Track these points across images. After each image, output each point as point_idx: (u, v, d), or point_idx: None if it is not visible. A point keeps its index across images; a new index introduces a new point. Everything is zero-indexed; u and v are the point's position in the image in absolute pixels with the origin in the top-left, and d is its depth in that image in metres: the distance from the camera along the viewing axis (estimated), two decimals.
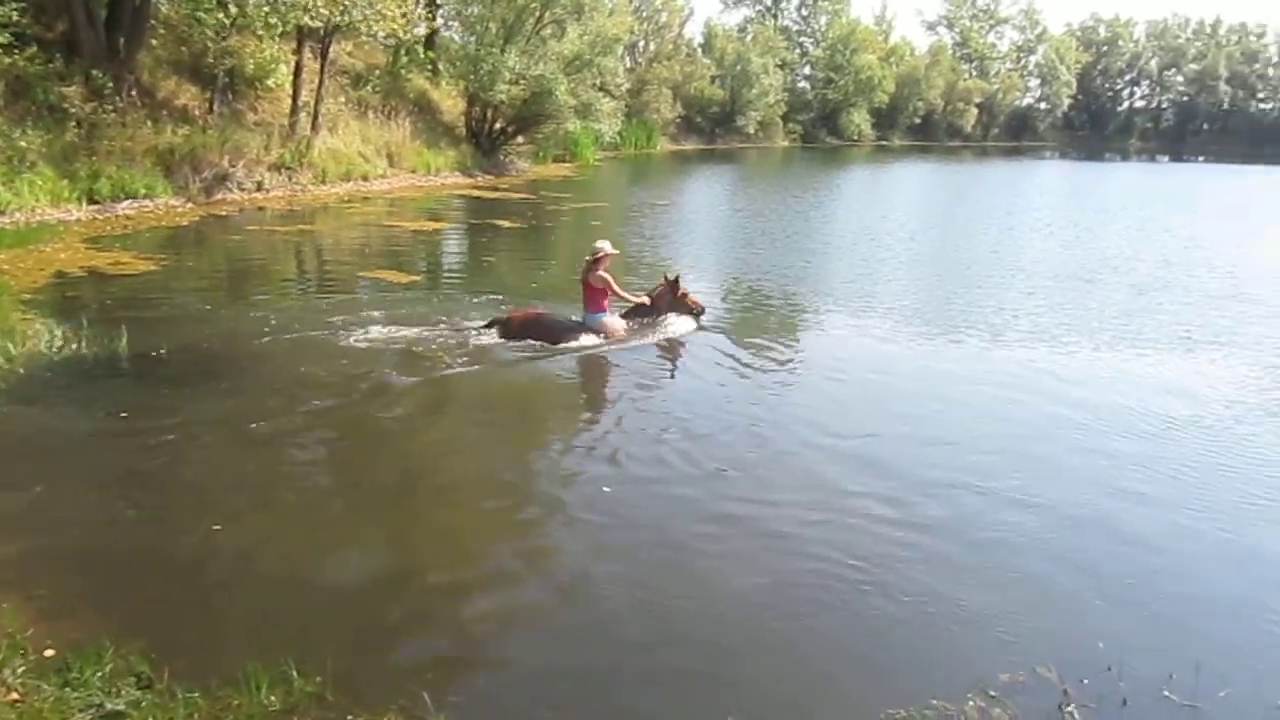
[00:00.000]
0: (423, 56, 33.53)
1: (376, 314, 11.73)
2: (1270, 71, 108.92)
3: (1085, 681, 4.71)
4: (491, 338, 10.75)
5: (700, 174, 43.10)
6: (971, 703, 4.53)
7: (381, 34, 27.00)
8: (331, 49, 26.24)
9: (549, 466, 7.52)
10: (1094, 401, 9.52)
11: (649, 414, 8.65)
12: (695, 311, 11.79)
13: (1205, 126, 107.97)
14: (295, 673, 4.40)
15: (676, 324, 11.58)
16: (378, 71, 31.60)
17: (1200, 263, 19.50)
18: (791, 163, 56.23)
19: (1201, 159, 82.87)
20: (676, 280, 11.78)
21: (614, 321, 11.27)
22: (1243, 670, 4.93)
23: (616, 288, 11.17)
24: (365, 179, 26.92)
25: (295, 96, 25.45)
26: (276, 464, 7.28)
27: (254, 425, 7.85)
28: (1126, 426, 8.75)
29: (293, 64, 25.39)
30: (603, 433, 8.16)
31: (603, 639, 5.08)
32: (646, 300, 11.64)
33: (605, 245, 11.16)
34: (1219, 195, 40.53)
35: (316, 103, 25.73)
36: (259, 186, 23.23)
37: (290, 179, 24.37)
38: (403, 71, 33.15)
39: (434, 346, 10.37)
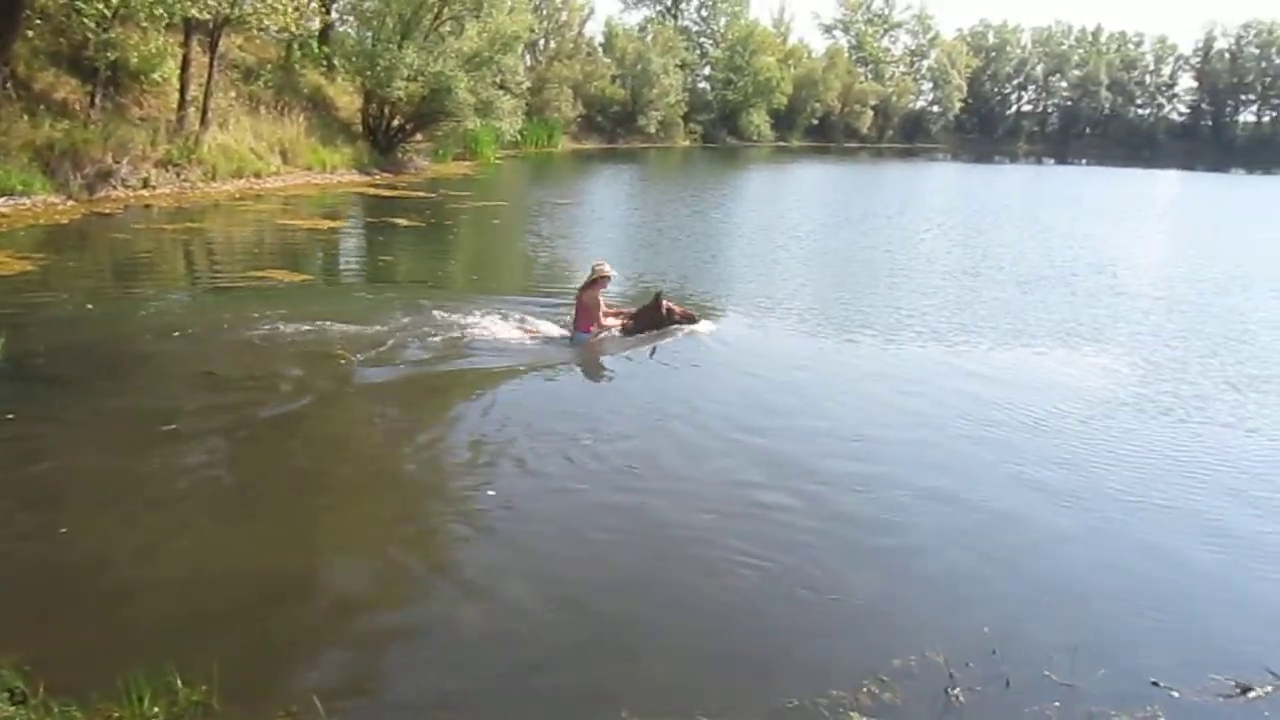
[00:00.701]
0: (317, 51, 32.85)
1: (268, 313, 11.45)
2: (1147, 79, 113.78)
3: (970, 665, 4.87)
4: (390, 336, 10.61)
5: (601, 173, 43.16)
6: (865, 689, 4.64)
7: (273, 28, 26.29)
8: (221, 42, 25.47)
9: (451, 467, 7.45)
10: (984, 395, 9.83)
11: (558, 415, 8.63)
12: (688, 319, 11.56)
13: (1088, 130, 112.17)
14: (180, 682, 4.27)
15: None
16: (270, 66, 30.80)
17: (1081, 261, 20.28)
18: (692, 162, 56.68)
19: (1084, 161, 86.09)
20: (658, 297, 11.51)
21: (603, 345, 11.10)
22: (1118, 650, 5.14)
23: (603, 312, 11.16)
24: (258, 176, 26.22)
25: (183, 91, 24.67)
26: (163, 466, 7.07)
27: (140, 427, 7.63)
28: (1014, 419, 9.07)
29: (180, 57, 24.59)
30: (509, 434, 8.08)
31: (502, 641, 5.05)
32: (629, 322, 11.45)
33: (606, 267, 11.21)
34: (1099, 197, 42.17)
35: (206, 97, 24.98)
36: (145, 184, 22.43)
37: (179, 176, 23.59)
38: (296, 66, 32.42)
39: (329, 346, 10.18)
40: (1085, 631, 5.29)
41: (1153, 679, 4.84)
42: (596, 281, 11.07)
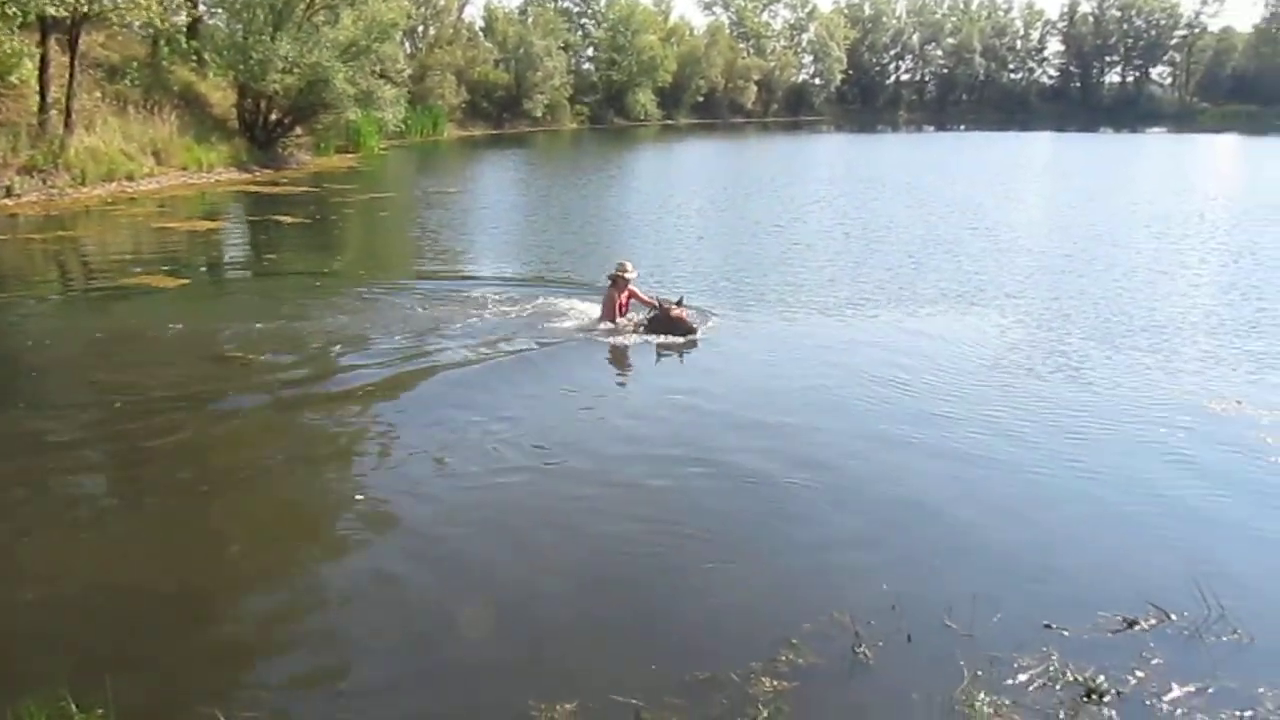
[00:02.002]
0: (186, 46, 31.63)
1: (153, 319, 11.08)
2: (1018, 44, 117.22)
3: (873, 623, 5.00)
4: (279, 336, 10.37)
5: (489, 159, 42.73)
6: (777, 655, 4.73)
7: (136, 23, 25.32)
8: (81, 40, 24.35)
9: (353, 467, 7.33)
10: (874, 363, 10.08)
11: (466, 406, 8.54)
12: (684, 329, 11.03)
13: (964, 97, 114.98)
14: (74, 706, 4.13)
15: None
16: (136, 64, 29.58)
17: (963, 225, 20.89)
18: (580, 144, 56.52)
19: (962, 127, 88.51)
20: (678, 303, 11.20)
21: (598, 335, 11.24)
22: (1011, 598, 5.34)
23: (620, 306, 11.37)
24: (130, 179, 25.20)
25: (44, 93, 23.53)
26: (45, 481, 6.84)
27: (17, 440, 7.35)
28: (900, 385, 9.32)
29: (38, 58, 23.43)
30: (415, 427, 8.00)
31: (408, 635, 5.00)
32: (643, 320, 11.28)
33: (626, 266, 11.49)
34: (977, 161, 43.42)
35: (69, 99, 23.86)
36: (9, 191, 21.40)
37: (45, 182, 22.56)
38: (164, 63, 31.24)
39: (220, 349, 9.90)
40: (980, 583, 5.47)
41: (1045, 621, 5.03)
42: (615, 280, 11.41)
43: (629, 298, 11.49)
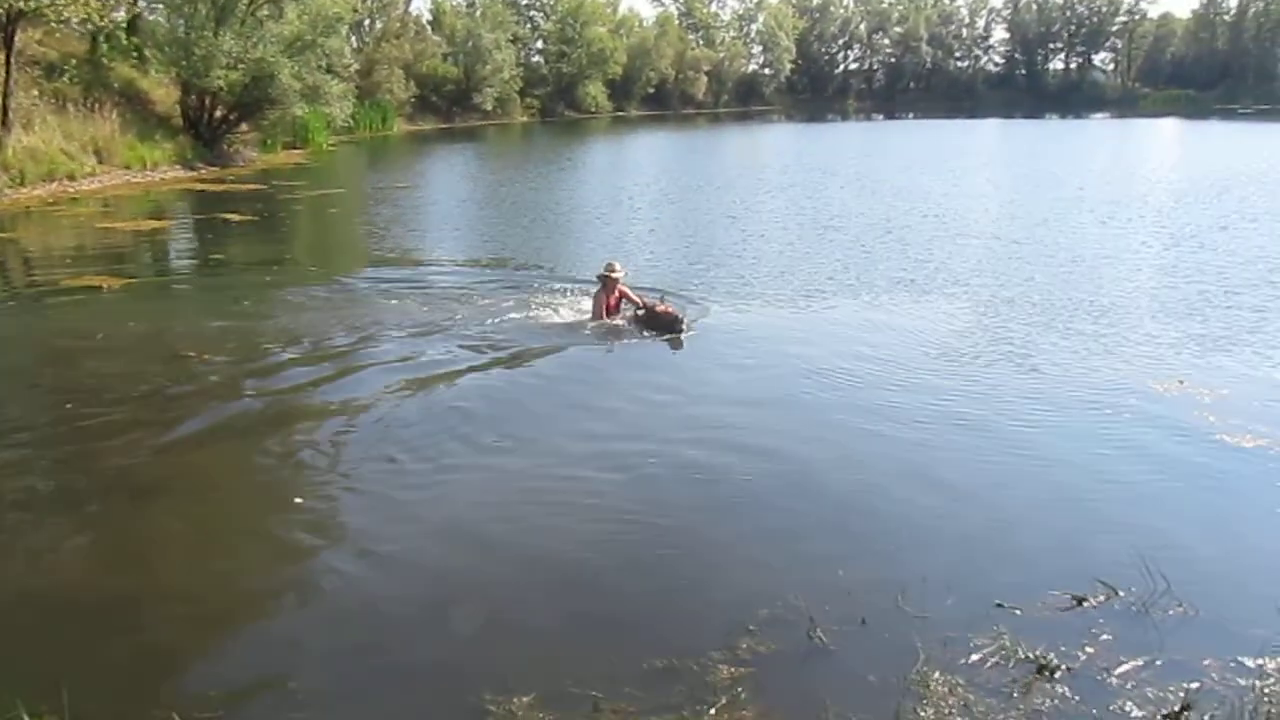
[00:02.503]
0: (126, 43, 31.00)
1: (94, 322, 10.89)
2: (964, 32, 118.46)
3: (828, 608, 5.05)
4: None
5: (440, 154, 42.43)
6: (734, 642, 4.77)
7: (74, 19, 24.76)
8: (17, 37, 23.81)
9: (310, 469, 7.24)
10: (829, 350, 10.18)
11: (425, 399, 8.55)
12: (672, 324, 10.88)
13: (912, 85, 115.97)
14: (26, 716, 4.05)
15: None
16: (75, 61, 28.99)
17: (912, 212, 21.09)
18: (531, 138, 56.29)
19: (911, 115, 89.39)
20: (661, 299, 11.42)
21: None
22: (963, 579, 5.42)
23: (606, 307, 11.27)
24: (72, 178, 24.71)
25: None
26: None
27: None
28: (860, 375, 9.40)
29: None
30: (371, 425, 7.94)
31: (359, 629, 4.99)
32: (639, 313, 11.24)
33: (613, 267, 11.38)
34: (926, 149, 43.84)
35: (5, 97, 23.31)
36: None
37: None
38: (104, 60, 30.61)
39: (172, 347, 9.76)
40: (932, 566, 5.56)
41: (997, 601, 5.11)
42: (605, 281, 11.32)
43: (619, 298, 11.39)
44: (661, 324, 10.78)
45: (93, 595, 5.34)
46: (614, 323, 11.22)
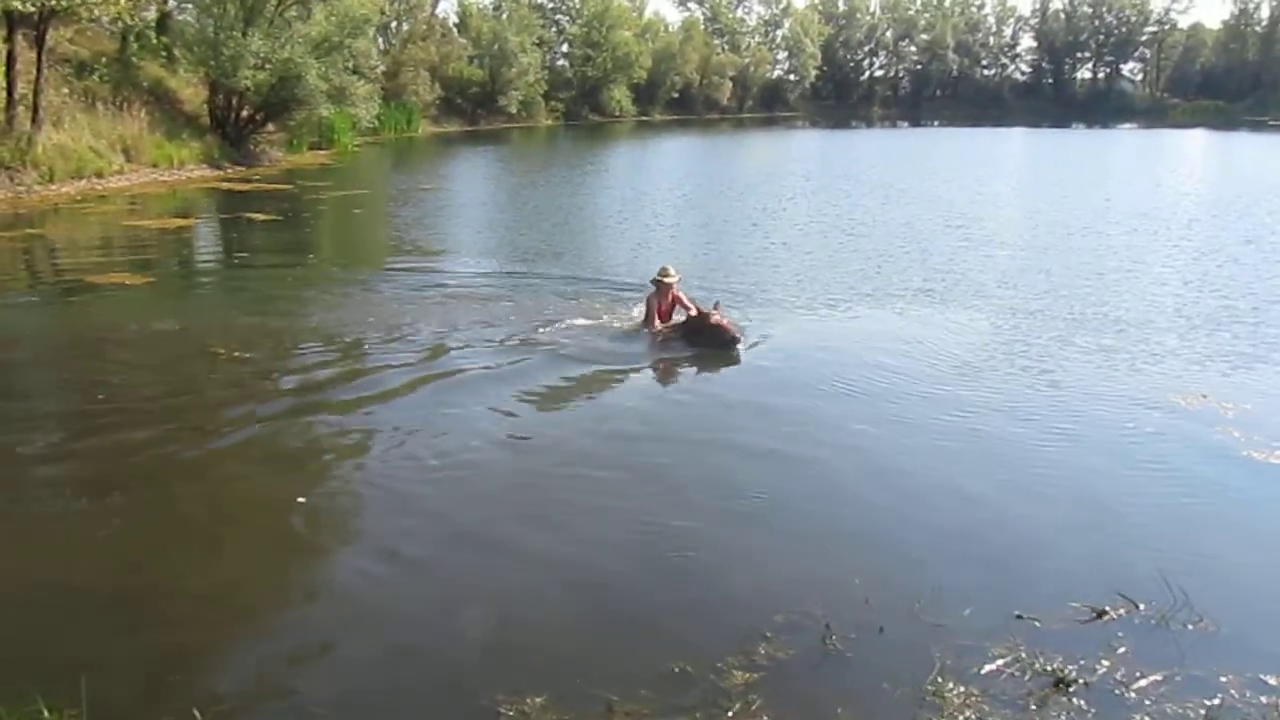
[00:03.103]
0: (156, 42, 31.29)
1: (122, 318, 10.99)
2: (991, 40, 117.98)
3: (846, 615, 5.04)
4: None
5: (464, 156, 42.60)
6: (749, 647, 4.76)
7: (105, 18, 25.02)
8: (49, 35, 24.08)
9: (336, 466, 7.29)
10: (850, 360, 10.14)
11: (454, 407, 8.50)
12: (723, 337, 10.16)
13: (938, 93, 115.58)
14: (45, 709, 4.09)
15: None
16: (105, 59, 29.30)
17: (935, 221, 21.01)
18: (555, 141, 56.42)
19: (936, 123, 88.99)
20: (715, 307, 10.49)
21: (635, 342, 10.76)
22: (981, 589, 5.39)
23: (659, 313, 10.79)
24: (100, 176, 24.95)
25: (10, 89, 23.23)
26: (15, 477, 6.81)
27: None
28: (881, 384, 9.33)
29: (4, 53, 23.15)
30: (392, 419, 8.01)
31: (379, 632, 5.00)
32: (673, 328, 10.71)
33: (667, 271, 10.91)
34: (950, 157, 43.65)
35: (36, 95, 23.56)
36: None
37: (12, 180, 22.29)
38: (134, 59, 30.90)
39: (203, 344, 9.82)
40: (951, 575, 5.52)
41: (1016, 612, 5.08)
42: (657, 285, 10.85)
43: (673, 303, 10.84)
44: (714, 339, 10.07)
45: (113, 588, 5.39)
46: (662, 329, 10.67)
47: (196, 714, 4.13)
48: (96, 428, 7.89)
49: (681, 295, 10.90)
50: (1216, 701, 4.38)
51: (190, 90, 33.31)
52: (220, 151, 30.65)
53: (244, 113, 32.14)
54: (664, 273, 10.92)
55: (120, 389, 8.80)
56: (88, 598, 5.27)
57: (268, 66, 30.39)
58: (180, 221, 20.53)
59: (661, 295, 10.83)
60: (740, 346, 10.10)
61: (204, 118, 32.26)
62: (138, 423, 7.93)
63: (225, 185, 26.99)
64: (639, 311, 11.19)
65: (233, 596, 5.39)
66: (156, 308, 11.95)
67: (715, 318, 10.18)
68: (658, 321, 10.79)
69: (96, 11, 23.57)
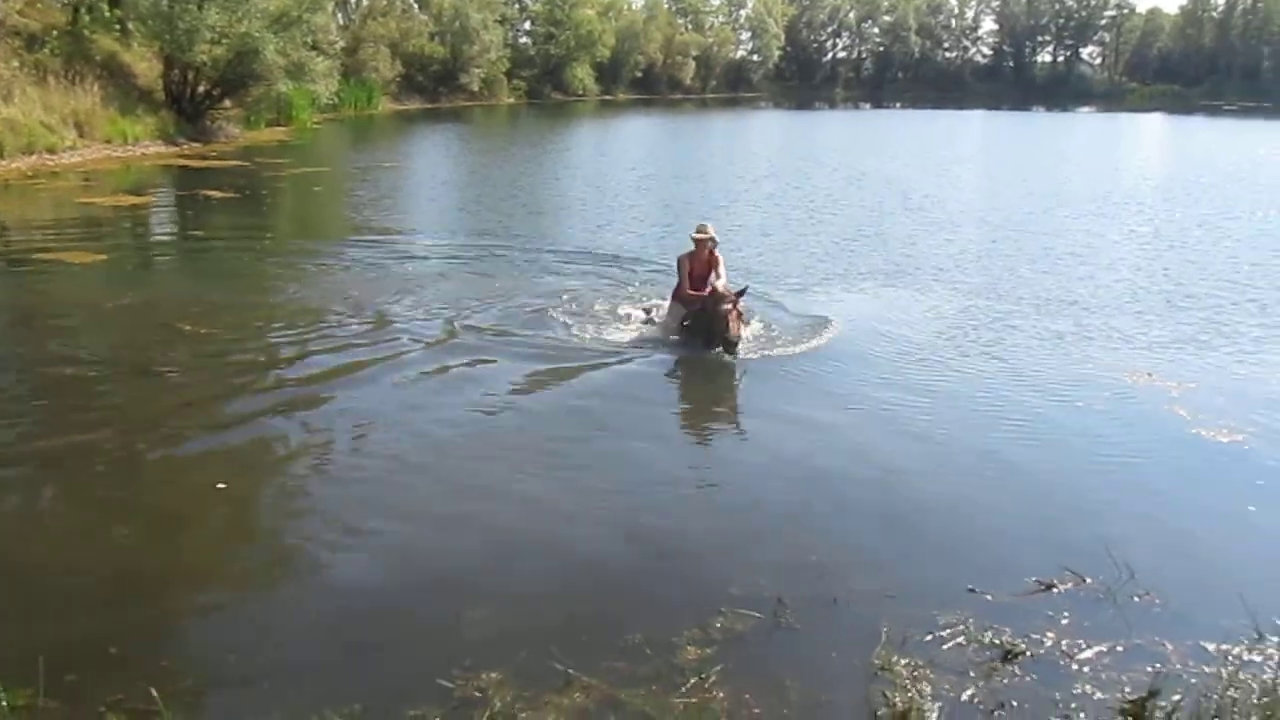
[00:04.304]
0: (108, 15, 30.66)
1: (77, 294, 10.83)
2: (953, 23, 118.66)
3: (799, 588, 5.15)
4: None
5: (425, 133, 42.21)
6: (705, 621, 4.82)
7: None
8: None
9: (293, 449, 7.22)
10: (802, 339, 10.18)
11: (412, 377, 8.56)
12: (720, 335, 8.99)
13: (900, 75, 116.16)
14: (0, 689, 4.05)
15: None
16: (56, 32, 28.67)
17: (895, 203, 21.18)
18: (517, 119, 56.01)
19: (899, 105, 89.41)
20: (742, 293, 9.31)
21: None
22: (934, 563, 5.50)
23: (685, 285, 9.65)
24: (52, 152, 24.46)
25: None
26: None
27: None
28: (836, 361, 9.41)
29: None
30: (357, 396, 8.01)
31: (338, 619, 5.01)
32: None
33: (706, 230, 9.72)
34: (913, 139, 43.92)
35: None
36: None
37: None
38: (86, 32, 30.27)
39: (147, 324, 9.72)
40: (903, 550, 5.66)
41: (967, 586, 5.17)
42: (696, 245, 9.63)
43: (709, 266, 9.55)
44: (714, 329, 8.94)
45: (66, 568, 5.33)
46: (692, 296, 9.45)
47: (153, 692, 4.11)
48: (47, 406, 7.81)
49: (720, 260, 9.71)
50: (1159, 668, 4.49)
51: (145, 65, 32.66)
52: (176, 127, 30.13)
53: (200, 88, 31.59)
54: (700, 229, 9.75)
55: (71, 366, 8.70)
56: (40, 578, 5.23)
57: (224, 41, 29.87)
58: (135, 199, 20.19)
59: (695, 257, 9.67)
60: (735, 353, 8.97)
61: (159, 93, 31.66)
62: (90, 402, 7.88)
63: (181, 162, 26.57)
64: (592, 288, 10.89)
65: (186, 576, 5.37)
66: (109, 285, 11.78)
67: (725, 306, 8.90)
68: (688, 287, 9.60)
69: None
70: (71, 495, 6.32)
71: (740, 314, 9.09)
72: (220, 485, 6.45)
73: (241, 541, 5.86)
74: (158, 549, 5.66)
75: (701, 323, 9.22)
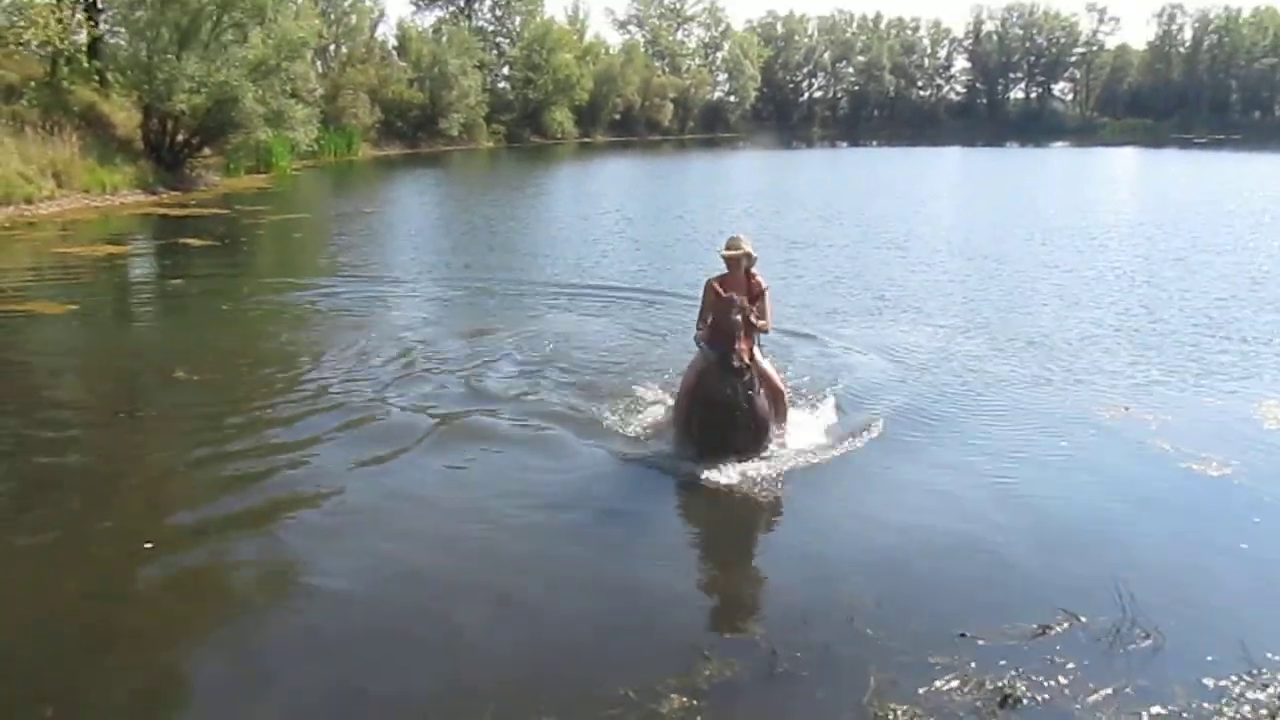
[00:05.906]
0: (87, 66, 30.70)
1: (47, 348, 10.69)
2: (926, 62, 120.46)
3: (787, 634, 5.04)
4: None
5: (405, 179, 42.26)
6: (699, 670, 4.71)
7: (34, 42, 24.43)
8: None
9: (273, 495, 7.09)
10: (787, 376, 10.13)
11: (393, 421, 8.50)
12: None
13: (876, 113, 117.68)
14: None
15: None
16: (34, 83, 28.66)
17: (871, 241, 21.30)
18: (497, 163, 56.25)
19: (875, 143, 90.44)
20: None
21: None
22: (928, 607, 5.40)
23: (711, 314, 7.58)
24: (29, 202, 24.33)
25: None
26: None
27: None
28: (815, 401, 9.29)
29: None
30: (342, 440, 7.86)
31: (310, 651, 4.90)
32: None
33: (739, 242, 7.76)
34: (889, 176, 44.31)
35: None
36: None
37: None
38: (64, 83, 30.27)
39: (153, 365, 9.60)
40: (895, 594, 5.55)
41: (961, 630, 5.07)
42: (727, 265, 7.70)
43: (745, 281, 7.64)
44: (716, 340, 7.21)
45: (72, 620, 5.20)
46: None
47: None
48: (22, 449, 7.67)
49: (766, 289, 7.72)
50: (1164, 712, 4.40)
51: (123, 114, 32.65)
52: (155, 176, 30.08)
53: (179, 137, 31.58)
54: (731, 244, 7.77)
55: (61, 413, 8.66)
56: (39, 631, 5.09)
57: (203, 89, 29.91)
58: (113, 248, 20.03)
59: (728, 282, 7.55)
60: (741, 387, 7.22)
61: (138, 142, 31.63)
62: (66, 447, 7.79)
63: (160, 210, 26.45)
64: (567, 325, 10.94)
65: (171, 625, 5.23)
66: (86, 335, 11.64)
67: (735, 318, 7.01)
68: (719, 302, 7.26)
69: (25, 35, 23.05)
70: (55, 539, 6.21)
71: (753, 324, 7.26)
72: (147, 545, 6.13)
73: (189, 599, 5.65)
74: (159, 586, 5.65)
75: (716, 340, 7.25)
